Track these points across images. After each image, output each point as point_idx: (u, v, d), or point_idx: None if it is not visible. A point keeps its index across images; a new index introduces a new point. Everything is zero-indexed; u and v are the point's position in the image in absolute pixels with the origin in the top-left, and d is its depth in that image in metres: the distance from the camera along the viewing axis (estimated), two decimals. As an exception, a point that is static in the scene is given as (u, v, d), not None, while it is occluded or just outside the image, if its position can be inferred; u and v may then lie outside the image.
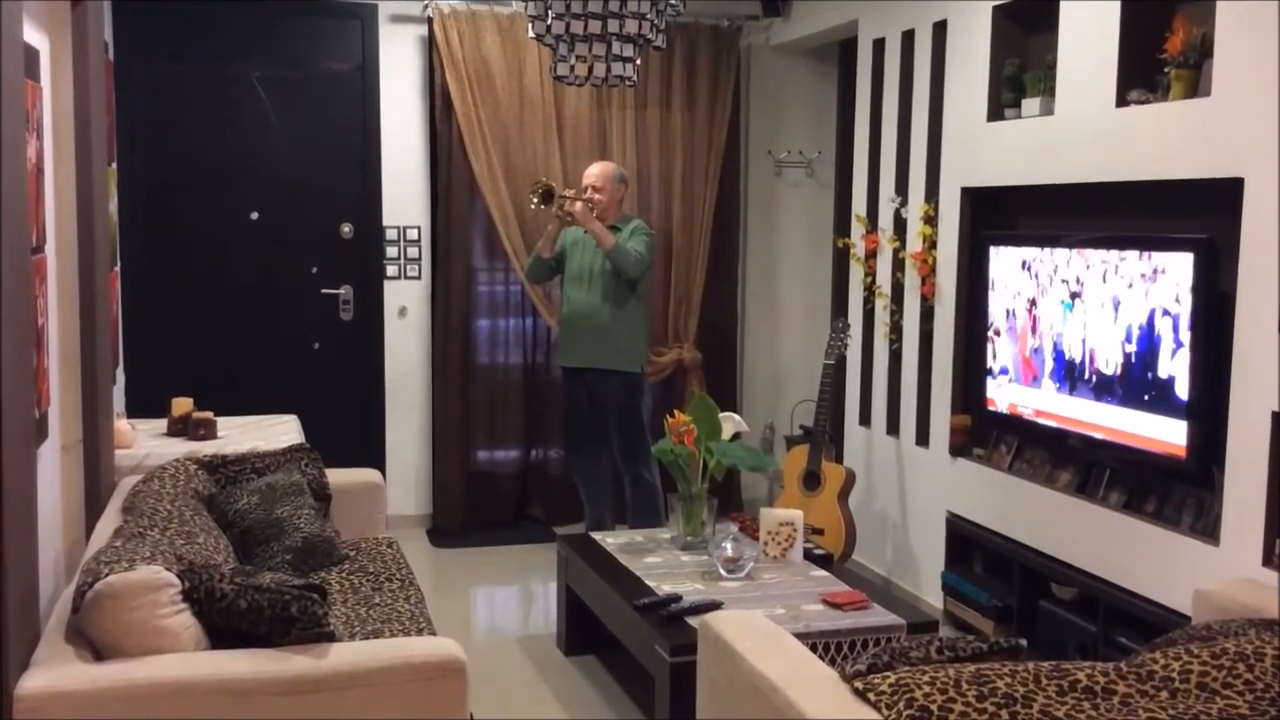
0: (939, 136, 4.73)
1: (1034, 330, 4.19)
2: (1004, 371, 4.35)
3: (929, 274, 4.77)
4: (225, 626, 2.51)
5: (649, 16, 4.01)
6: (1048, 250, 4.10)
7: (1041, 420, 4.16)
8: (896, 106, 5.06)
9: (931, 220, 4.77)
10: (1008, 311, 4.32)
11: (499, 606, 5.12)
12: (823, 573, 3.91)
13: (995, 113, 4.40)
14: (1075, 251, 3.96)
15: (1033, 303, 4.18)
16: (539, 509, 6.07)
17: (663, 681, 3.34)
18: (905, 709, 1.98)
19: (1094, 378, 3.89)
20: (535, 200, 5.01)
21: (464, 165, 5.71)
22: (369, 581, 3.53)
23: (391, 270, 5.83)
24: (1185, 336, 3.49)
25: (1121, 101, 3.74)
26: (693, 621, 3.36)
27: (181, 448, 4.22)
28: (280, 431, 4.59)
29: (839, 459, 5.39)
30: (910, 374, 4.95)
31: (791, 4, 5.90)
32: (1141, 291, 3.65)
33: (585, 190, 5.10)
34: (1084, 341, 3.93)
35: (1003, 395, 4.37)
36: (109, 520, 3.28)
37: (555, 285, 5.58)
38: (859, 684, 2.11)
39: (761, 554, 4.00)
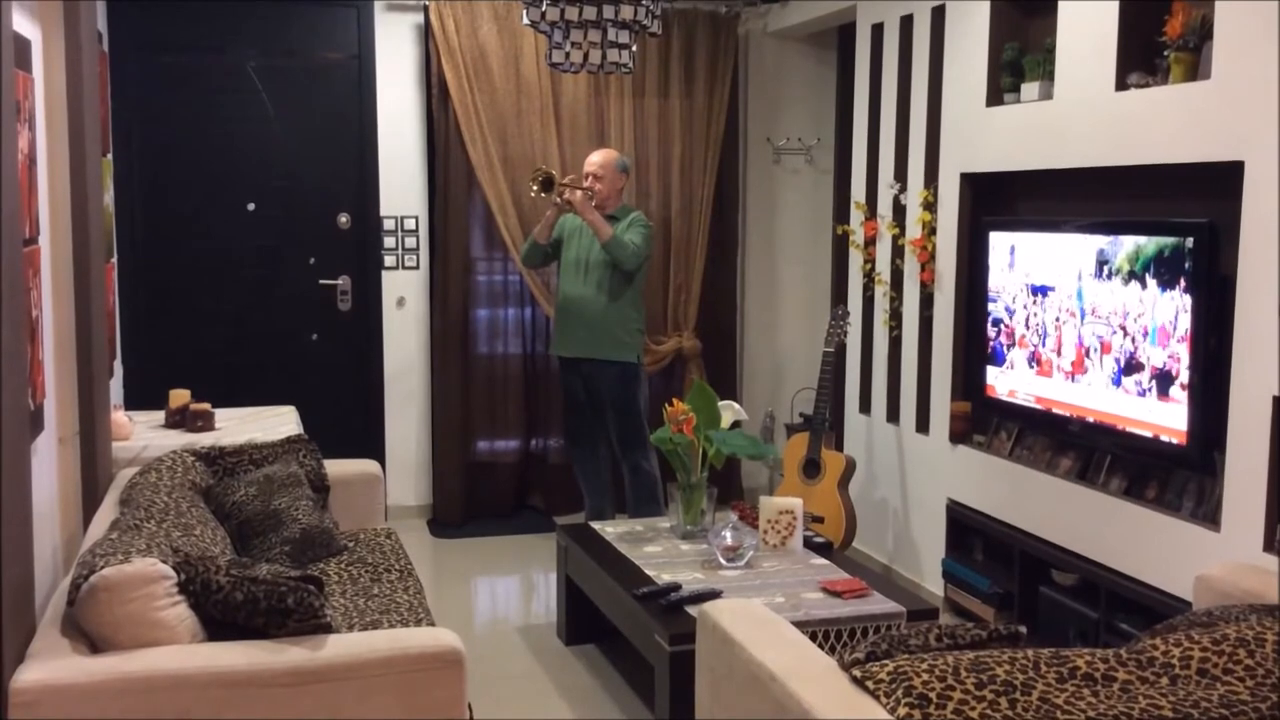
0: (938, 122, 4.71)
1: (1034, 316, 4.17)
2: (1003, 358, 4.34)
3: (928, 260, 4.76)
4: (222, 619, 2.50)
5: (644, 2, 3.99)
6: (1047, 235, 4.08)
7: (1042, 406, 4.14)
8: (895, 92, 5.04)
9: (931, 206, 4.75)
10: (1007, 297, 4.30)
11: (499, 596, 5.12)
12: (823, 561, 3.90)
13: (994, 97, 4.37)
14: (1075, 236, 3.94)
15: (1032, 288, 4.17)
16: (539, 499, 6.06)
17: (662, 670, 3.33)
18: (904, 697, 1.97)
19: (1094, 363, 3.87)
20: (535, 188, 4.99)
21: (461, 154, 5.69)
22: (368, 572, 3.53)
23: (389, 260, 5.81)
24: (1185, 321, 3.47)
25: (1121, 85, 3.72)
26: (692, 610, 3.36)
27: (179, 439, 4.23)
28: (278, 423, 4.58)
29: (839, 447, 5.38)
30: (910, 361, 4.94)
31: (789, -10, 5.88)
32: (1141, 276, 3.64)
33: (586, 178, 5.07)
34: (1084, 327, 3.91)
35: (1003, 381, 4.35)
36: (106, 512, 3.27)
37: (554, 274, 5.55)
38: (857, 672, 2.10)
39: (761, 542, 3.99)
